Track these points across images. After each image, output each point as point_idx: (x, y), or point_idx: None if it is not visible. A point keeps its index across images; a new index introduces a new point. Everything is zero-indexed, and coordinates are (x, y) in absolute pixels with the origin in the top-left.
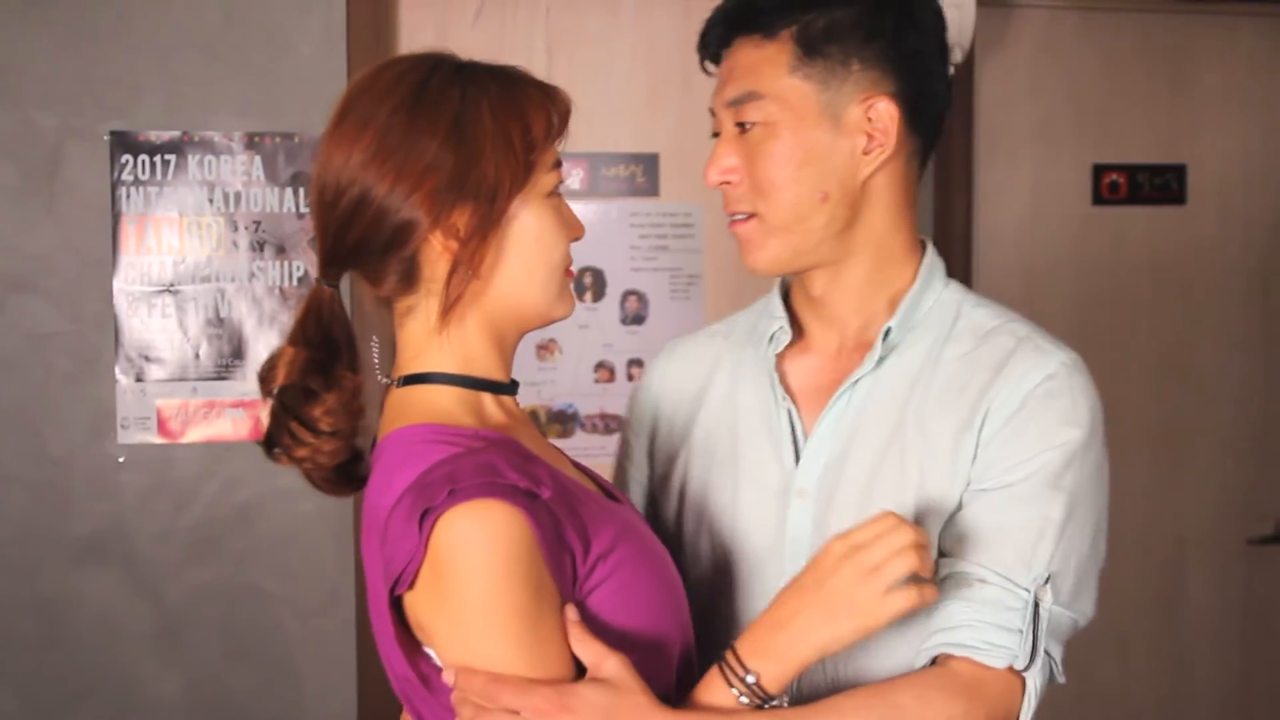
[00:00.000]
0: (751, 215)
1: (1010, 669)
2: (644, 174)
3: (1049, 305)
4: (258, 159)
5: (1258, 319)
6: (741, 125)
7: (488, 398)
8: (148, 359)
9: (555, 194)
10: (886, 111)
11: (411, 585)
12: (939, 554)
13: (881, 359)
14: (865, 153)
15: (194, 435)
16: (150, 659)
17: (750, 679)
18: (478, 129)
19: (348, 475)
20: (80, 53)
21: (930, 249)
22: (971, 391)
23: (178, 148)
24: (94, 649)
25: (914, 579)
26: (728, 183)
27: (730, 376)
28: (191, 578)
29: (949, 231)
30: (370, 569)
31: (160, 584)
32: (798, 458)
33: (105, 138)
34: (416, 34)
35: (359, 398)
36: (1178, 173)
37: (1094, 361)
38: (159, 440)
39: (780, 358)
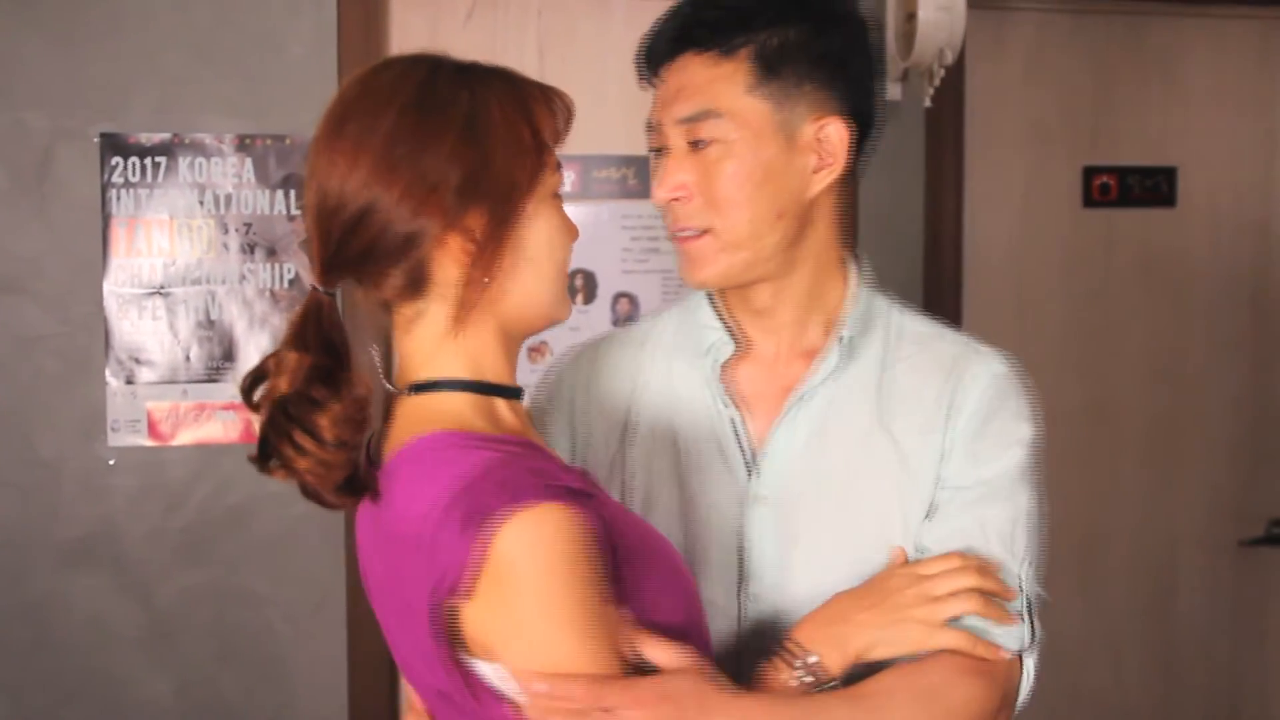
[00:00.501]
0: (705, 232)
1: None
2: (635, 176)
3: (1040, 307)
4: (248, 161)
5: (1248, 321)
6: (695, 143)
7: (499, 402)
8: (138, 361)
9: (558, 195)
10: (837, 132)
11: (468, 594)
12: (919, 550)
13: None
14: (815, 171)
15: (184, 438)
16: (141, 661)
17: (812, 659)
18: (490, 129)
19: (351, 487)
20: (70, 54)
21: (865, 259)
22: (929, 394)
23: (168, 150)
24: (84, 651)
25: (972, 620)
26: (677, 199)
27: (661, 388)
28: (182, 580)
29: (940, 233)
30: (394, 580)
31: (151, 586)
32: (748, 464)
33: (95, 140)
34: (408, 35)
35: (366, 408)
36: (1168, 175)
37: (1085, 364)
38: (149, 443)
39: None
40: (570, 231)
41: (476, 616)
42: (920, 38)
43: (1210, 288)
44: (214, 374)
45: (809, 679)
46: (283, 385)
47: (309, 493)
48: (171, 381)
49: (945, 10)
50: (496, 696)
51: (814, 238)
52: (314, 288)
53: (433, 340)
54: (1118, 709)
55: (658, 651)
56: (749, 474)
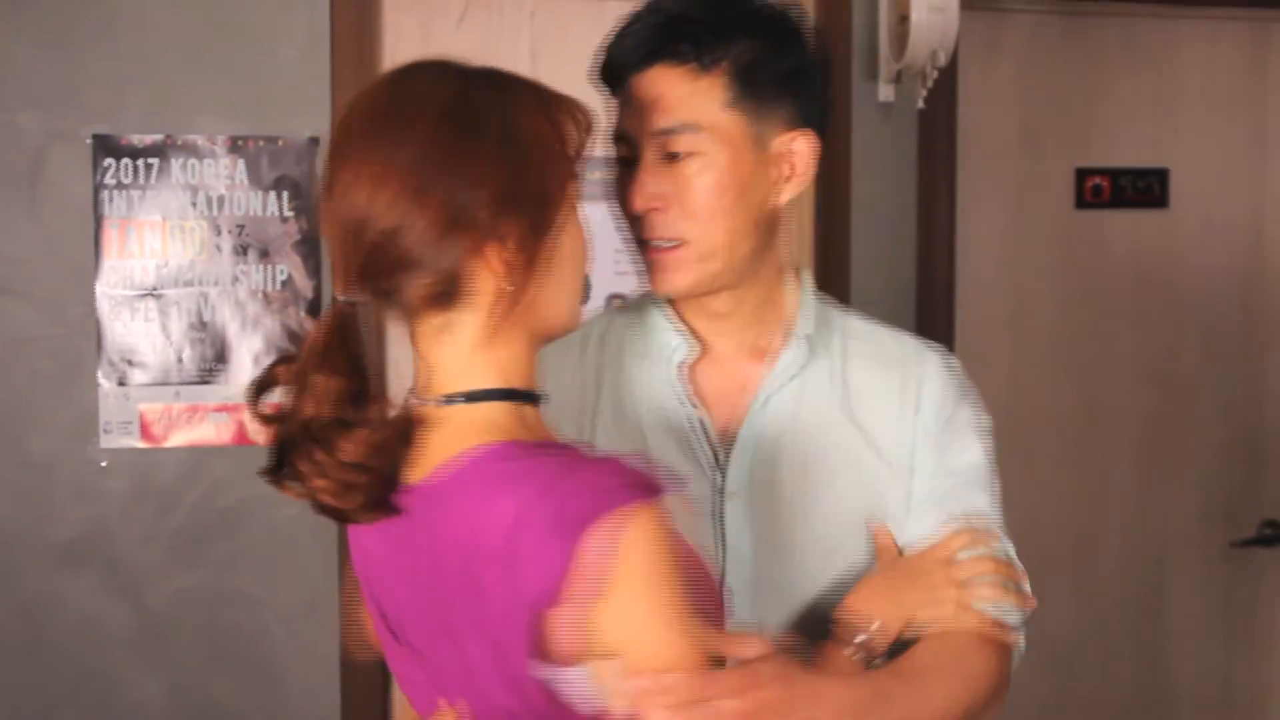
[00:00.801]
0: (680, 243)
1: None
2: None
3: (1032, 308)
4: (241, 162)
5: (1240, 322)
6: (672, 155)
7: (529, 409)
8: (130, 363)
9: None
10: (807, 144)
11: (567, 600)
12: (912, 538)
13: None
14: (784, 181)
15: (177, 439)
16: (133, 664)
17: (861, 638)
18: (525, 141)
19: (376, 505)
20: (63, 55)
21: (804, 266)
22: (890, 386)
23: (161, 151)
24: (77, 654)
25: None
26: (655, 209)
27: (622, 392)
28: (175, 582)
29: (933, 234)
30: (460, 598)
31: (143, 588)
32: (717, 462)
33: (88, 141)
34: (400, 37)
35: (396, 429)
36: (1160, 177)
37: (1076, 365)
38: (142, 444)
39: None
40: (587, 240)
41: (574, 621)
42: (913, 39)
43: (1202, 289)
44: (206, 376)
45: (860, 655)
46: (309, 409)
47: (325, 510)
48: (164, 383)
49: (938, 12)
50: (578, 706)
51: (774, 246)
52: (336, 300)
53: (465, 350)
54: (1109, 709)
55: (738, 643)
56: (718, 472)
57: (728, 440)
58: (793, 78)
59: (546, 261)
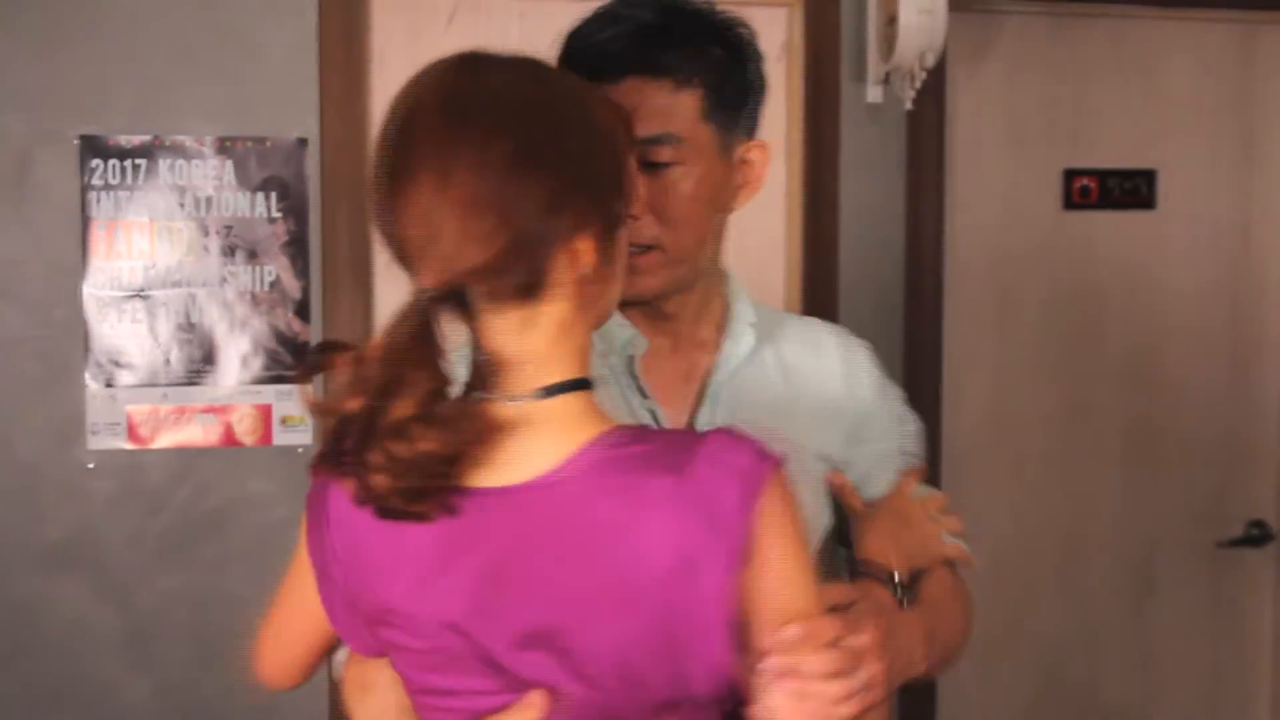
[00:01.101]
0: (652, 247)
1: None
2: None
3: (1020, 309)
4: (229, 163)
5: (1227, 322)
6: (651, 163)
7: (593, 395)
8: (118, 364)
9: None
10: (762, 155)
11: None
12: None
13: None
14: (741, 189)
15: (164, 441)
16: (120, 665)
17: (895, 578)
18: (603, 128)
19: (441, 502)
20: (50, 56)
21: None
22: (824, 368)
23: (148, 152)
24: (64, 655)
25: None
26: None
27: None
28: (162, 584)
29: (921, 235)
30: (577, 588)
31: (130, 590)
32: None
33: (75, 142)
34: (389, 38)
35: (471, 424)
36: (1148, 177)
37: (1064, 365)
38: (129, 446)
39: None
40: None
41: (742, 591)
42: (901, 41)
43: (1190, 290)
44: (194, 377)
45: (899, 595)
46: (394, 404)
47: (382, 503)
48: (151, 384)
49: (927, 13)
50: (753, 679)
51: (719, 250)
52: (421, 295)
53: (549, 342)
54: (1096, 708)
55: (836, 591)
56: None
57: (684, 427)
58: (751, 89)
59: (621, 250)
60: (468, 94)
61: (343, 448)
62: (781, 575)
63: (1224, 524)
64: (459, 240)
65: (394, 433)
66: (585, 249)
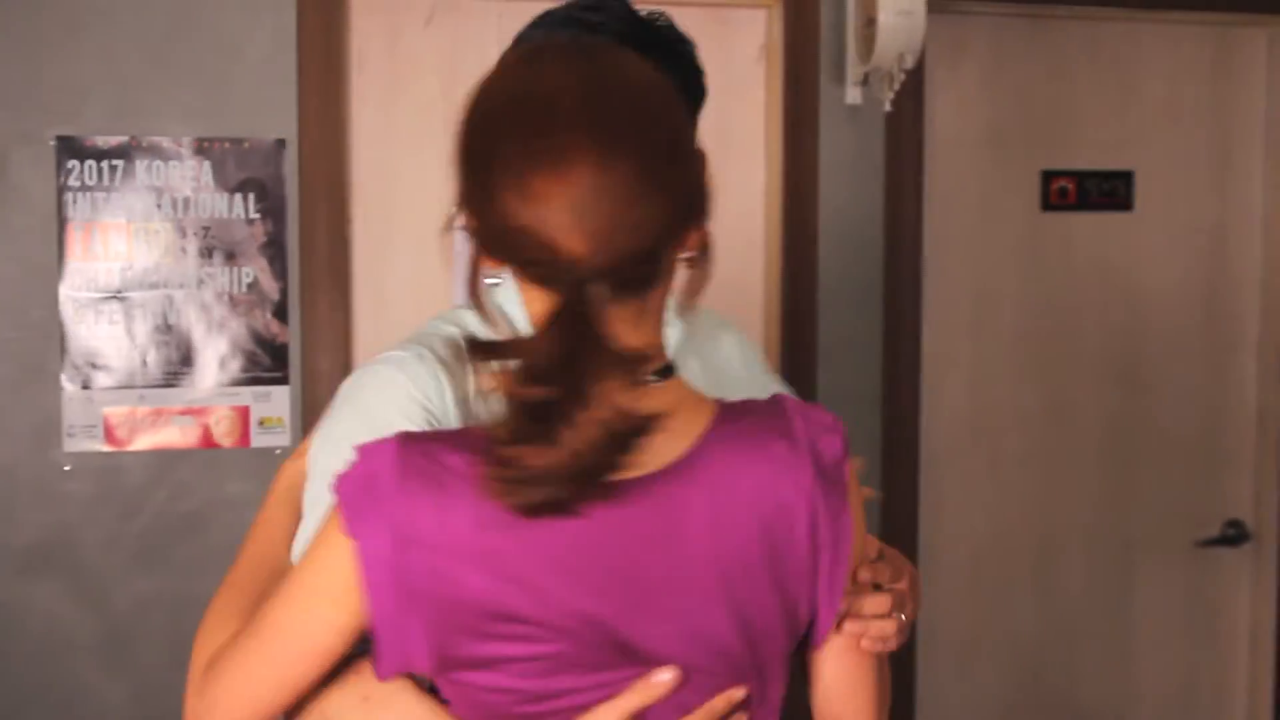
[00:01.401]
0: None
1: None
2: None
3: (998, 310)
4: (206, 164)
5: (1203, 323)
6: None
7: None
8: (94, 366)
9: None
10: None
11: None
12: None
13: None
14: None
15: (141, 443)
16: (97, 669)
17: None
18: (692, 128)
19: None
20: (26, 57)
21: None
22: (730, 353)
23: (125, 153)
24: (39, 659)
25: None
26: None
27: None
28: (139, 587)
29: (899, 236)
30: (764, 568)
31: (107, 593)
32: None
33: (51, 143)
34: (368, 39)
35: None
36: (1125, 179)
37: (1041, 365)
38: (106, 448)
39: None
40: None
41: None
42: (880, 42)
43: (1167, 291)
44: (171, 379)
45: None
46: (606, 412)
47: (531, 498)
48: (128, 386)
49: (905, 15)
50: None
51: None
52: (588, 289)
53: (655, 329)
54: (1073, 708)
55: (873, 540)
56: None
57: None
58: (699, 98)
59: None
60: (615, 81)
61: (495, 449)
62: (859, 520)
63: (1201, 524)
64: (621, 226)
65: (581, 420)
66: (699, 237)
